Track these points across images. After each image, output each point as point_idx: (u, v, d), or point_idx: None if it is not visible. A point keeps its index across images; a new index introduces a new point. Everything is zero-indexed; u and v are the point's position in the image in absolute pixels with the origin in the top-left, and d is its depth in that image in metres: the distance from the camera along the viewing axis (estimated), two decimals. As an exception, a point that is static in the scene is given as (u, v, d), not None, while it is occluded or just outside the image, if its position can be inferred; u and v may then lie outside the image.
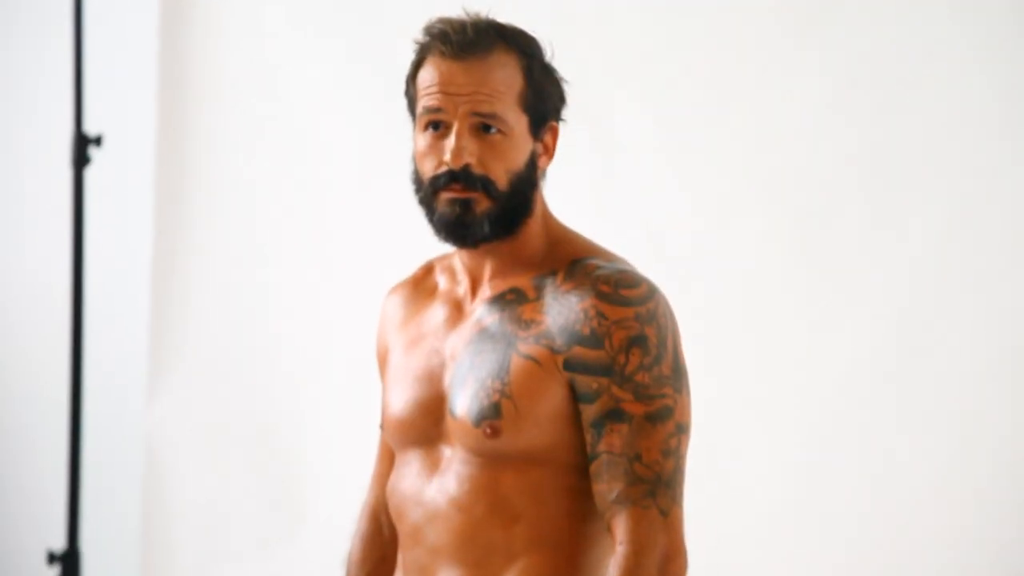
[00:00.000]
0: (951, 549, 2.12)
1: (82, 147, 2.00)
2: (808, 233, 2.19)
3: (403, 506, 1.21)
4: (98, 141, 2.01)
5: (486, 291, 1.20)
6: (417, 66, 1.17)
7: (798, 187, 2.19)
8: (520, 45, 1.17)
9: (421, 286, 1.29)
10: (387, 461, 1.32)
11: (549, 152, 1.20)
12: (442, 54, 1.14)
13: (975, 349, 2.08)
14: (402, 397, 1.23)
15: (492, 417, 1.13)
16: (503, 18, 1.21)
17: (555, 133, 1.20)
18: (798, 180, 2.20)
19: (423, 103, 1.15)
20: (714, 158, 2.25)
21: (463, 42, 1.14)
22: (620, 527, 1.10)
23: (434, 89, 1.14)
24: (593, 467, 1.12)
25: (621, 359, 1.11)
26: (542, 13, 2.27)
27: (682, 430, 1.12)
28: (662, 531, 1.10)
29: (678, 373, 1.14)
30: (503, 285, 1.19)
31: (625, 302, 1.12)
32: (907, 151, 2.13)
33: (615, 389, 1.11)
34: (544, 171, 1.20)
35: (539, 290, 1.17)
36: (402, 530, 1.23)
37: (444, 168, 1.14)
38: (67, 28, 2.07)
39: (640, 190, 2.29)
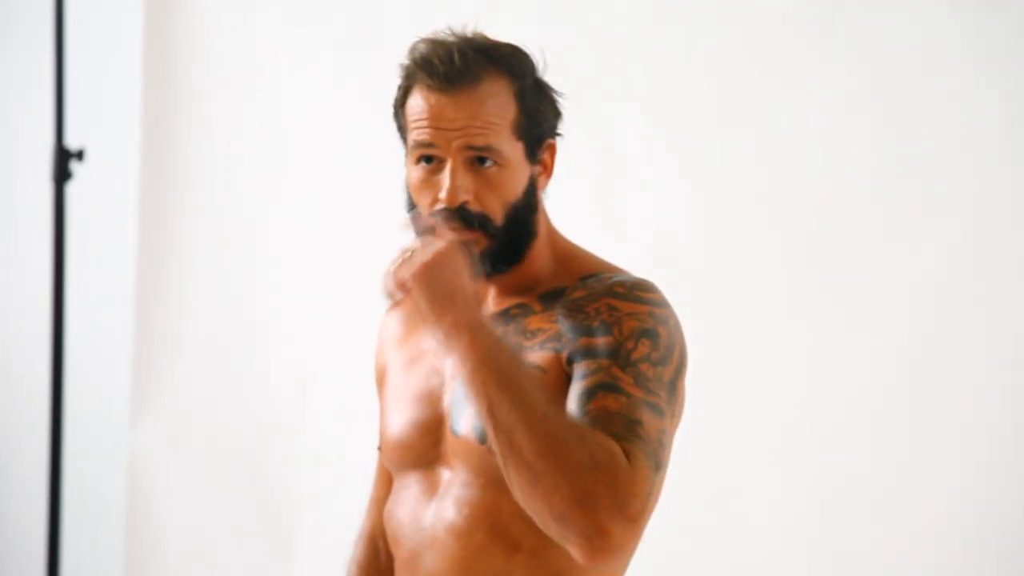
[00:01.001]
0: (963, 561, 2.10)
1: (63, 161, 1.96)
2: (818, 245, 2.17)
3: (399, 532, 1.16)
4: (80, 155, 1.96)
5: (489, 307, 1.15)
6: (405, 92, 1.12)
7: (808, 198, 2.18)
8: (511, 67, 1.11)
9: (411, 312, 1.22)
10: (385, 485, 1.27)
11: (548, 170, 1.16)
12: (429, 87, 1.09)
13: (989, 362, 2.06)
14: (400, 418, 1.18)
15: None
16: (502, 27, 1.16)
17: (553, 150, 1.16)
18: (808, 191, 2.17)
19: (414, 136, 1.10)
20: (722, 169, 2.23)
21: (451, 73, 1.08)
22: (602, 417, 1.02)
23: (424, 124, 1.09)
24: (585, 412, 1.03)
25: (629, 345, 1.04)
26: (544, 19, 2.26)
27: (663, 446, 1.04)
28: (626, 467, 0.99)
29: (673, 392, 1.07)
30: (508, 302, 1.15)
31: (640, 300, 1.07)
32: (920, 162, 2.11)
33: (615, 369, 1.03)
34: (545, 190, 1.15)
35: (546, 303, 1.12)
36: (399, 557, 1.18)
37: (440, 206, 1.09)
38: (48, 39, 2.03)
39: (646, 200, 2.27)
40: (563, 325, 1.08)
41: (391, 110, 1.16)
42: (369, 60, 2.38)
